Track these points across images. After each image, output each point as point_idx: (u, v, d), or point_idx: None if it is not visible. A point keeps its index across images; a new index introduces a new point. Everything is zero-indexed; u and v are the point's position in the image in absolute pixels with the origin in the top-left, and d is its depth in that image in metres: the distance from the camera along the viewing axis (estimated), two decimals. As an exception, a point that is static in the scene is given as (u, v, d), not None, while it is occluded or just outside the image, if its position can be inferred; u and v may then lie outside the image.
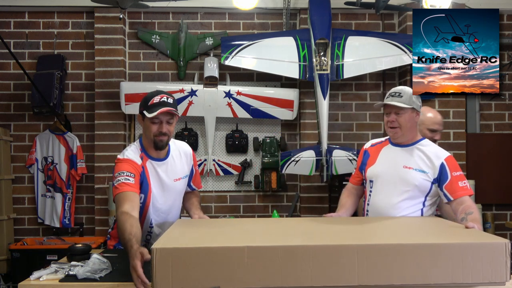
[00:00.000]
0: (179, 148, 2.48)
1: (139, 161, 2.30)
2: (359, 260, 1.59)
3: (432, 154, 2.43)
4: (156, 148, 2.31)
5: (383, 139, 2.67)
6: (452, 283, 1.61)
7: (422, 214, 2.45)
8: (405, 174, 2.42)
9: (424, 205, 2.44)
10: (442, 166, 2.38)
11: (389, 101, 2.48)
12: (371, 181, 2.53)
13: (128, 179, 2.19)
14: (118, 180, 2.19)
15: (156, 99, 2.25)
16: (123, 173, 2.20)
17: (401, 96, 2.47)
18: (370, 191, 2.53)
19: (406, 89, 2.53)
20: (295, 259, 1.60)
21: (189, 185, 2.57)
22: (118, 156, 2.32)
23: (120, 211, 2.06)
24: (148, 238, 2.41)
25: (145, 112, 2.26)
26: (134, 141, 4.45)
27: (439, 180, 2.38)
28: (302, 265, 1.59)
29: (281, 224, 2.18)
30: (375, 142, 2.69)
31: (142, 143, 2.38)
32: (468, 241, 1.68)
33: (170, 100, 2.28)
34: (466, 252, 1.60)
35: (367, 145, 2.71)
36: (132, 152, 2.33)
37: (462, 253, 1.61)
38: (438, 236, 1.90)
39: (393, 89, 2.55)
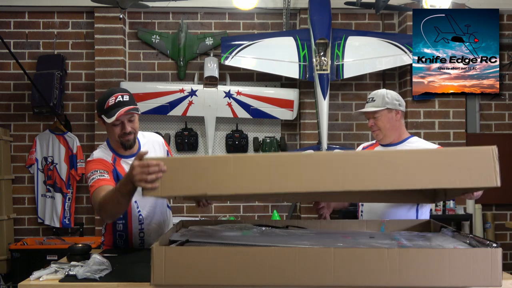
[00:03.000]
0: (149, 140, 2.42)
1: (109, 160, 2.25)
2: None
3: None
4: (124, 148, 2.25)
5: (373, 141, 2.69)
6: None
7: (417, 210, 2.44)
8: None
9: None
10: None
11: (363, 109, 2.54)
12: None
13: (103, 176, 2.13)
14: (93, 178, 2.12)
15: (111, 101, 2.16)
16: (96, 171, 2.14)
17: (374, 100, 2.51)
18: None
19: (379, 92, 2.54)
20: (280, 165, 1.61)
21: None
22: (88, 159, 2.27)
23: (99, 200, 1.99)
24: (141, 236, 2.36)
25: (103, 117, 2.19)
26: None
27: None
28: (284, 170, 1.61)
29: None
30: (366, 145, 2.73)
31: (110, 144, 2.32)
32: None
33: (126, 98, 2.19)
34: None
35: (359, 148, 2.76)
36: (101, 152, 2.28)
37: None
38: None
39: (369, 96, 2.58)
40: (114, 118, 2.14)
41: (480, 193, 1.98)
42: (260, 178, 1.61)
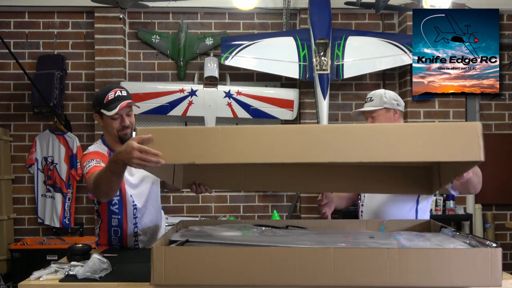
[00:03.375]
0: None
1: (106, 154, 2.28)
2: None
3: None
4: (122, 142, 2.22)
5: None
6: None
7: (417, 211, 2.43)
8: None
9: (418, 198, 2.43)
10: None
11: (362, 108, 2.55)
12: None
13: (99, 163, 2.16)
14: (89, 166, 2.15)
15: (111, 95, 2.23)
16: (92, 160, 2.18)
17: (372, 100, 2.52)
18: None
19: (377, 92, 2.55)
20: (267, 136, 1.64)
21: None
22: (83, 153, 2.32)
23: (93, 180, 2.03)
24: (135, 231, 2.38)
25: (103, 110, 2.23)
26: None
27: None
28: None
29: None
30: None
31: (105, 141, 2.36)
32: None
33: (124, 93, 2.27)
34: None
35: None
36: (97, 148, 2.32)
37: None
38: None
39: (367, 95, 2.58)
40: (116, 110, 2.20)
41: (470, 175, 1.94)
42: (247, 148, 1.63)
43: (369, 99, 2.54)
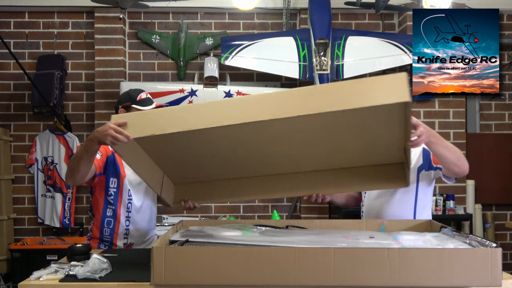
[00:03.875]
0: None
1: (111, 148, 2.31)
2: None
3: None
4: None
5: None
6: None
7: (416, 203, 2.45)
8: None
9: (417, 193, 2.44)
10: (423, 150, 2.37)
11: None
12: None
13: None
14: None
15: (143, 95, 2.46)
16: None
17: None
18: (364, 193, 2.56)
19: None
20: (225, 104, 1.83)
21: None
22: None
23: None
24: (127, 225, 2.44)
25: (136, 106, 2.39)
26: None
27: (424, 163, 2.40)
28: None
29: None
30: None
31: None
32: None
33: (150, 97, 2.50)
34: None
35: None
36: None
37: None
38: None
39: None
40: (153, 106, 2.41)
41: (421, 139, 2.00)
42: (204, 116, 1.81)
43: None
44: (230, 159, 2.19)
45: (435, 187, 4.61)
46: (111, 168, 2.41)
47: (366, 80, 1.83)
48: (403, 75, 1.71)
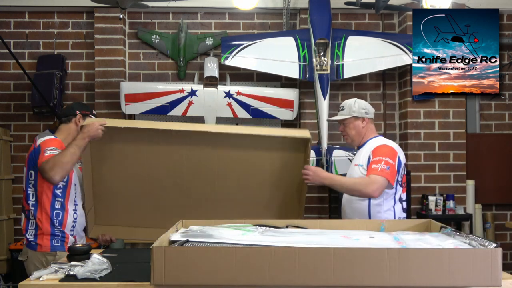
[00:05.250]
0: None
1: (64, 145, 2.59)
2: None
3: (369, 148, 2.72)
4: None
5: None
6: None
7: (369, 202, 2.66)
8: (352, 170, 2.80)
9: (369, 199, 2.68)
10: (369, 155, 2.66)
11: (334, 117, 2.94)
12: None
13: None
14: (53, 152, 2.46)
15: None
16: (56, 149, 2.49)
17: (343, 109, 2.84)
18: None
19: (348, 102, 2.85)
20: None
21: None
22: (44, 138, 2.56)
23: (55, 158, 2.44)
24: (75, 217, 2.63)
25: (92, 116, 2.72)
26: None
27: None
28: None
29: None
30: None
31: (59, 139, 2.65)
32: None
33: None
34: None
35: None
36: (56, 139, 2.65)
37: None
38: None
39: (340, 105, 2.92)
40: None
41: (308, 179, 2.58)
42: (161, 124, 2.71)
43: (341, 108, 2.86)
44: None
45: (435, 187, 4.64)
46: None
47: (277, 129, 2.16)
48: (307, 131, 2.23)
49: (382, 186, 2.57)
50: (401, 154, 2.71)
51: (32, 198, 2.54)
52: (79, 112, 2.70)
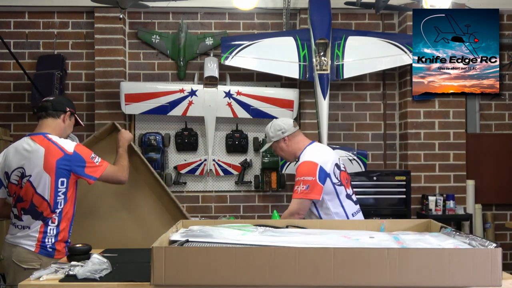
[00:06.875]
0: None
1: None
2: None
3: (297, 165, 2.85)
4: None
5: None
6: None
7: (317, 209, 2.78)
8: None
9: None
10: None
11: (262, 148, 3.28)
12: None
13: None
14: (98, 157, 2.58)
15: None
16: (94, 153, 2.59)
17: (266, 137, 3.00)
18: None
19: (266, 129, 2.99)
20: None
21: None
22: (74, 144, 2.55)
23: (124, 165, 2.71)
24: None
25: (75, 115, 2.75)
26: (135, 141, 4.46)
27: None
28: None
29: None
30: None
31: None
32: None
33: None
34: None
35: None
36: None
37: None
38: None
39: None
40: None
41: None
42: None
43: (265, 136, 3.05)
44: None
45: (435, 187, 4.64)
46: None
47: None
48: None
49: (305, 205, 2.70)
50: (324, 160, 2.76)
51: (61, 205, 2.48)
52: (68, 109, 2.69)
